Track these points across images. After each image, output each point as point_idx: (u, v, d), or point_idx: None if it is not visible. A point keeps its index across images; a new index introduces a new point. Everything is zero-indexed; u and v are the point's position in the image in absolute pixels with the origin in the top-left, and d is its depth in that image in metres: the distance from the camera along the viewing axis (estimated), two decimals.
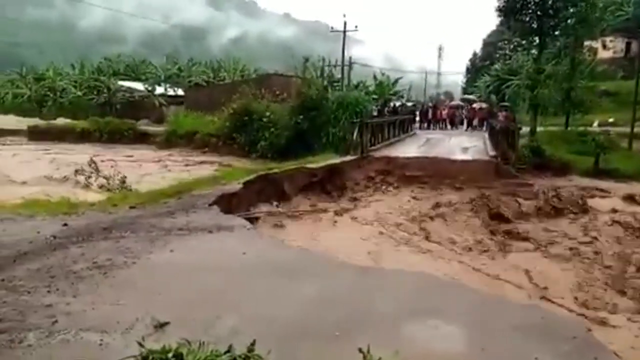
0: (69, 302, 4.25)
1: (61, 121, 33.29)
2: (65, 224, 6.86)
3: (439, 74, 76.58)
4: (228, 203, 8.75)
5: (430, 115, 30.99)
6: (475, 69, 62.61)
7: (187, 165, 20.27)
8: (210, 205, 8.18)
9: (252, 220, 8.65)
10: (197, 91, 39.55)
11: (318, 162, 13.73)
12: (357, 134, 15.90)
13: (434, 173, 13.88)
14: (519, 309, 4.98)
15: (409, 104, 36.35)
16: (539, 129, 21.97)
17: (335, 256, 6.77)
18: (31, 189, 11.78)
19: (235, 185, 9.86)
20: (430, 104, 35.06)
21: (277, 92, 25.23)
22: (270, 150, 21.48)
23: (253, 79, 33.02)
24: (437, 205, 11.88)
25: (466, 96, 46.25)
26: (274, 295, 4.58)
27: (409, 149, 17.62)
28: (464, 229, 10.44)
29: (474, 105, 33.11)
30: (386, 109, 29.82)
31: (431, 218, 11.09)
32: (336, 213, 11.10)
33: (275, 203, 10.76)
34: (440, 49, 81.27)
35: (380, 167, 14.54)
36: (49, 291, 4.50)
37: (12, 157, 20.98)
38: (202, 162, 21.14)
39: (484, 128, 27.62)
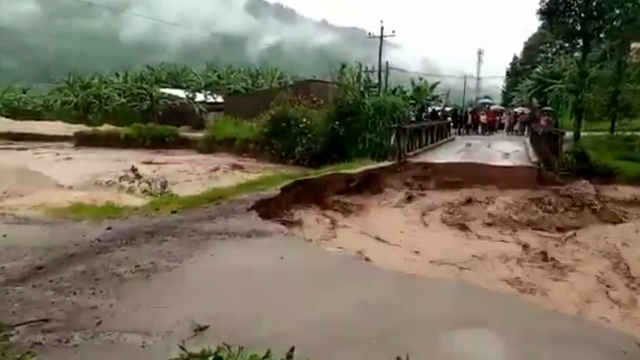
0: (113, 304, 4.37)
1: (106, 127, 34.41)
2: (110, 228, 7.07)
3: (478, 78, 75.32)
4: (266, 208, 8.82)
5: (469, 120, 30.50)
6: (515, 73, 61.26)
7: (225, 170, 20.58)
8: (248, 210, 8.26)
9: (290, 225, 8.69)
10: (236, 98, 40.26)
11: (354, 168, 13.70)
12: (394, 139, 15.78)
13: (473, 179, 13.63)
14: (565, 320, 4.81)
15: (448, 108, 35.89)
16: (583, 133, 21.28)
17: (374, 262, 6.73)
18: (77, 194, 12.19)
19: (273, 191, 9.93)
20: (469, 109, 34.52)
21: (314, 99, 25.39)
22: (307, 156, 21.59)
23: (290, 86, 33.35)
24: (480, 211, 11.66)
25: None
26: (312, 301, 4.58)
27: (447, 154, 17.36)
28: (508, 236, 10.21)
29: (516, 110, 32.39)
30: (423, 113, 29.53)
31: (470, 223, 10.89)
32: (377, 217, 11.05)
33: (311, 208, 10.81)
34: (479, 53, 79.98)
35: (418, 173, 14.39)
36: (93, 293, 4.65)
37: (59, 162, 21.83)
38: (240, 168, 21.44)
39: (525, 133, 26.98)
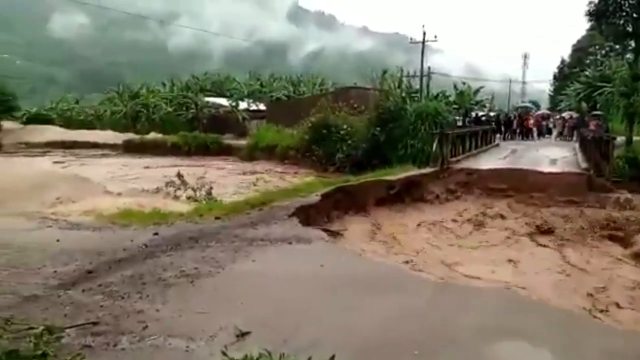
0: (159, 308, 4.49)
1: (153, 136, 35.51)
2: (156, 233, 7.28)
3: (523, 82, 73.49)
4: (306, 215, 8.87)
5: (515, 125, 29.73)
6: (563, 76, 59.29)
7: (267, 177, 20.83)
8: (289, 216, 8.34)
9: (330, 232, 8.69)
10: (278, 105, 40.72)
11: (396, 174, 13.58)
12: (436, 145, 15.56)
13: (519, 186, 13.26)
14: (616, 334, 4.61)
15: (492, 113, 35.11)
16: (635, 138, 20.34)
17: (415, 270, 6.65)
18: (125, 200, 12.61)
19: (314, 197, 9.98)
20: (514, 114, 33.65)
21: (355, 105, 25.35)
22: (348, 163, 21.58)
23: (331, 93, 33.45)
24: (527, 218, 11.34)
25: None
26: (352, 309, 4.57)
27: (492, 160, 16.97)
28: (558, 244, 9.87)
29: (564, 114, 31.36)
30: (467, 119, 29.00)
31: (518, 231, 10.59)
32: (418, 225, 10.92)
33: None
34: (525, 56, 78.03)
35: (461, 179, 14.13)
36: (140, 297, 4.79)
37: (108, 169, 22.66)
38: (281, 174, 21.67)
39: (574, 138, 26.08)
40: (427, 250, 9.24)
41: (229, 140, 33.14)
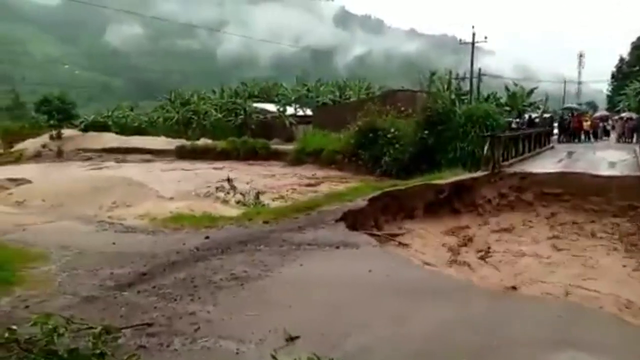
0: (210, 310, 4.58)
1: (203, 141, 36.42)
2: (207, 237, 7.44)
3: (579, 82, 70.64)
4: (353, 219, 8.82)
5: (571, 127, 28.55)
6: (622, 75, 56.56)
7: (314, 182, 20.92)
8: (336, 221, 8.32)
9: (378, 236, 8.61)
10: (324, 110, 40.90)
11: (445, 178, 13.30)
12: (487, 148, 15.14)
13: (576, 190, 12.69)
14: None
15: (546, 115, 33.90)
16: None
17: (467, 278, 6.48)
18: (178, 204, 12.97)
19: (361, 202, 9.91)
20: (570, 115, 32.37)
21: (402, 108, 25.10)
22: (395, 167, 21.35)
23: (378, 96, 33.27)
24: (582, 223, 10.87)
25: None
26: (402, 316, 4.50)
27: (546, 163, 16.36)
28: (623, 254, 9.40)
29: (623, 115, 29.89)
30: (519, 120, 28.15)
31: (577, 235, 10.16)
32: (469, 229, 10.66)
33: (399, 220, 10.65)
34: (580, 55, 74.99)
35: (514, 184, 13.67)
36: (192, 299, 4.90)
37: (161, 174, 23.39)
38: (328, 179, 21.70)
39: (634, 140, 24.79)
40: (481, 257, 8.99)
41: (276, 145, 33.55)
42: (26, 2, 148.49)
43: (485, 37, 38.31)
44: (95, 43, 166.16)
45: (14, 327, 3.47)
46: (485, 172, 14.34)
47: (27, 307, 4.76)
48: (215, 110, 45.78)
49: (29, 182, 17.03)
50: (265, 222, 8.48)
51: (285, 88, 53.42)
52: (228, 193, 14.09)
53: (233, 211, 11.33)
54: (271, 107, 45.64)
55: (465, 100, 33.76)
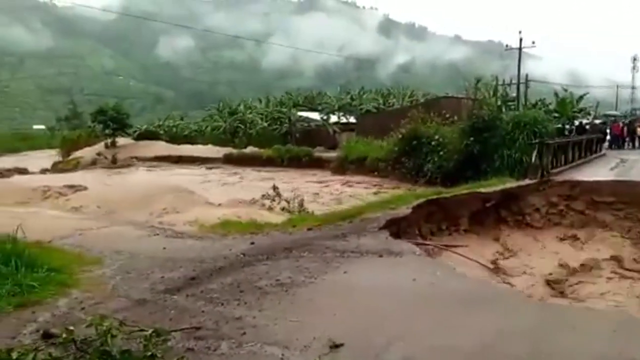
0: (255, 315, 4.67)
1: (250, 149, 37.10)
2: (253, 243, 7.59)
3: (632, 87, 67.50)
4: (397, 227, 8.78)
5: (625, 133, 27.37)
6: None
7: (357, 189, 20.91)
8: (380, 229, 8.29)
9: (422, 245, 8.54)
10: (368, 118, 40.85)
11: (491, 186, 13.02)
12: (536, 155, 14.74)
13: (630, 199, 12.15)
14: None
15: (597, 121, 32.61)
16: None
17: (515, 287, 6.33)
18: (225, 211, 13.27)
19: (404, 210, 9.84)
20: (623, 121, 31.02)
21: (447, 115, 24.77)
22: (439, 174, 21.05)
23: (422, 103, 32.95)
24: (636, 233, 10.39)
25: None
26: (447, 326, 4.45)
27: (597, 171, 15.76)
28: None
29: None
30: (568, 126, 27.24)
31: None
32: (514, 243, 10.40)
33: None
34: (634, 59, 71.63)
35: (564, 192, 13.22)
36: (238, 304, 5.01)
37: (209, 181, 23.99)
38: (371, 186, 21.65)
39: None
40: (532, 267, 8.75)
41: (320, 152, 33.75)
42: (87, 18, 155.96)
43: (533, 42, 37.38)
44: (148, 56, 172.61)
45: (72, 328, 3.66)
46: (534, 180, 13.95)
47: (82, 308, 5.00)
48: (261, 119, 46.54)
49: (85, 188, 17.82)
50: (309, 229, 8.56)
51: (329, 97, 53.74)
52: (273, 200, 14.28)
53: (278, 218, 11.50)
54: (315, 116, 45.99)
55: (512, 107, 32.94)
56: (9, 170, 28.69)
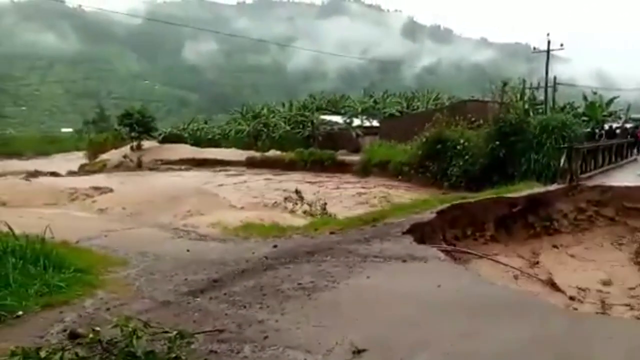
0: (278, 319, 4.65)
1: (272, 153, 37.31)
2: (275, 246, 7.59)
3: None
4: (421, 232, 8.66)
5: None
6: None
7: (380, 192, 20.79)
8: (403, 233, 8.19)
9: (447, 251, 8.41)
10: (391, 121, 40.68)
11: (518, 191, 12.78)
12: (564, 160, 14.43)
13: None
14: None
15: (628, 125, 31.80)
16: None
17: (543, 296, 6.17)
18: (247, 213, 13.35)
19: (428, 214, 9.72)
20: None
21: (472, 119, 24.50)
22: (464, 179, 20.82)
23: (447, 107, 32.67)
24: None
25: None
26: (472, 333, 4.35)
27: (629, 176, 15.34)
28: None
29: None
30: (597, 130, 26.62)
31: None
32: (544, 245, 10.17)
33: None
34: None
35: (594, 198, 12.89)
36: (261, 307, 5.00)
37: (233, 184, 24.18)
38: (394, 190, 21.49)
39: None
40: (561, 275, 8.53)
41: (343, 156, 33.72)
42: (114, 23, 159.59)
43: (562, 45, 36.63)
44: (174, 59, 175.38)
45: (98, 328, 3.70)
46: (562, 185, 13.66)
47: (108, 309, 5.06)
48: (284, 123, 46.79)
49: (111, 190, 18.16)
50: (332, 233, 8.52)
51: (352, 100, 53.72)
52: (295, 203, 14.31)
53: (300, 221, 11.50)
54: (338, 119, 46.02)
55: (540, 110, 32.40)
56: (37, 172, 29.39)
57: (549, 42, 35.91)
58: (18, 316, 4.79)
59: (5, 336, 4.34)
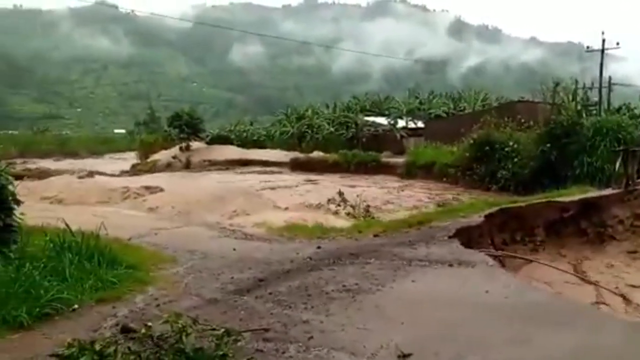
0: (322, 320, 4.67)
1: (316, 154, 37.41)
2: (319, 247, 7.62)
3: None
4: (468, 236, 8.49)
5: None
6: None
7: (426, 195, 20.49)
8: (450, 237, 8.06)
9: (495, 256, 8.20)
10: (437, 123, 40.05)
11: (570, 195, 12.31)
12: (619, 163, 13.80)
13: None
14: None
15: None
16: None
17: (597, 304, 5.93)
18: (292, 214, 13.43)
19: (476, 218, 9.51)
20: None
21: (522, 120, 23.78)
22: (513, 182, 20.23)
23: (495, 108, 31.88)
24: None
25: None
26: (521, 339, 4.23)
27: None
28: None
29: None
30: None
31: None
32: (595, 256, 9.76)
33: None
34: None
35: None
36: (305, 308, 5.03)
37: (277, 185, 24.39)
38: (440, 193, 21.13)
39: None
40: (615, 281, 8.18)
41: (387, 158, 33.42)
42: (164, 27, 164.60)
43: (617, 43, 35.06)
44: (221, 62, 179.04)
45: (150, 324, 3.82)
46: (617, 190, 13.06)
47: (158, 305, 5.22)
48: (328, 124, 46.85)
49: (161, 190, 18.65)
50: (376, 235, 8.49)
51: (397, 101, 53.21)
52: (339, 205, 14.27)
53: (343, 223, 11.48)
54: (382, 120, 45.67)
55: (594, 112, 31.13)
56: (91, 171, 30.63)
57: (603, 41, 34.48)
58: (74, 309, 5.02)
59: (62, 328, 4.56)
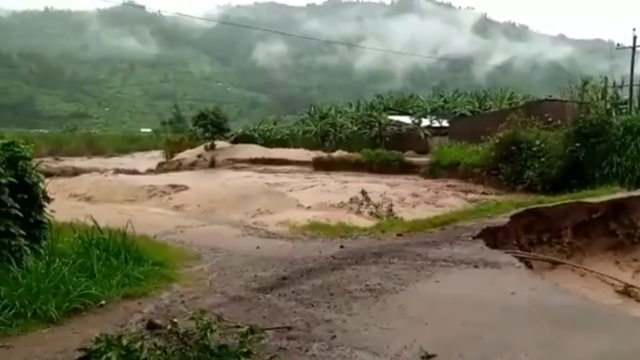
0: (345, 319, 4.67)
1: (339, 153, 37.35)
2: (342, 246, 7.62)
3: None
4: (493, 237, 8.37)
5: None
6: None
7: (451, 195, 20.29)
8: (474, 238, 7.96)
9: (522, 257, 8.06)
10: (462, 122, 39.57)
11: (599, 196, 12.01)
12: None
13: None
14: None
15: None
16: None
17: (628, 309, 5.79)
18: (315, 213, 13.44)
19: (501, 219, 9.37)
20: None
21: (550, 119, 23.31)
22: (540, 182, 19.83)
23: (521, 106, 31.26)
24: None
25: None
26: (549, 342, 4.15)
27: None
28: None
29: None
30: None
31: None
32: (625, 259, 9.52)
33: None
34: None
35: None
36: (328, 307, 5.04)
37: (300, 184, 24.46)
38: (465, 193, 20.88)
39: None
40: None
41: (410, 157, 33.19)
42: (189, 27, 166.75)
43: None
44: (245, 61, 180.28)
45: (175, 320, 3.88)
46: None
47: (183, 302, 5.30)
48: (351, 123, 46.76)
49: (186, 188, 18.89)
50: (399, 235, 8.44)
51: (421, 100, 52.78)
52: (362, 204, 14.24)
53: (366, 222, 11.44)
54: (406, 119, 45.35)
55: (624, 110, 30.32)
56: (118, 169, 31.20)
57: (634, 38, 33.55)
58: (101, 305, 5.13)
59: (90, 323, 4.66)
